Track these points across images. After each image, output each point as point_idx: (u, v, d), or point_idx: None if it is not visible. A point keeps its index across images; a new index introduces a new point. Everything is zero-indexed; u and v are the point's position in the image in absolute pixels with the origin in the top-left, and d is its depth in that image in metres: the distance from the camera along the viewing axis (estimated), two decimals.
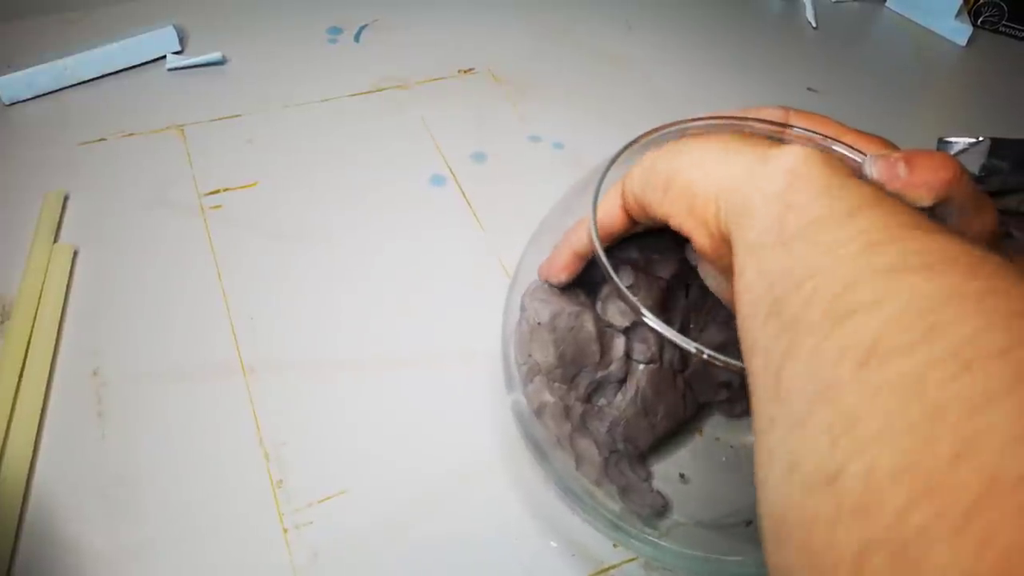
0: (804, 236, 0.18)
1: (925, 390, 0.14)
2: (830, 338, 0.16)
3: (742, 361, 0.23)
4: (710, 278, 0.28)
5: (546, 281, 0.31)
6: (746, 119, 0.30)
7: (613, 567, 0.33)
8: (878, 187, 0.19)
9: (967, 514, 0.12)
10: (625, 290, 0.25)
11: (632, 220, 0.26)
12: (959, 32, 0.67)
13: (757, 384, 0.18)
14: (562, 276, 0.30)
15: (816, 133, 0.29)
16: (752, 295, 0.19)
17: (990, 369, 0.13)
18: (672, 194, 0.23)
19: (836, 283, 0.16)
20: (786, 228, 0.19)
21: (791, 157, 0.20)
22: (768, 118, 0.30)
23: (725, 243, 0.22)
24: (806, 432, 0.15)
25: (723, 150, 0.22)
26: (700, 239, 0.22)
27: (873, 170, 0.24)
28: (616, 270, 0.32)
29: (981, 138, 0.48)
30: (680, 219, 0.23)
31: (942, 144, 0.49)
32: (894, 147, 0.28)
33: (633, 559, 0.33)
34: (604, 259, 0.26)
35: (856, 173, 0.26)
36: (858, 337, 0.15)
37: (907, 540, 0.13)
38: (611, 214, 0.27)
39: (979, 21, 0.69)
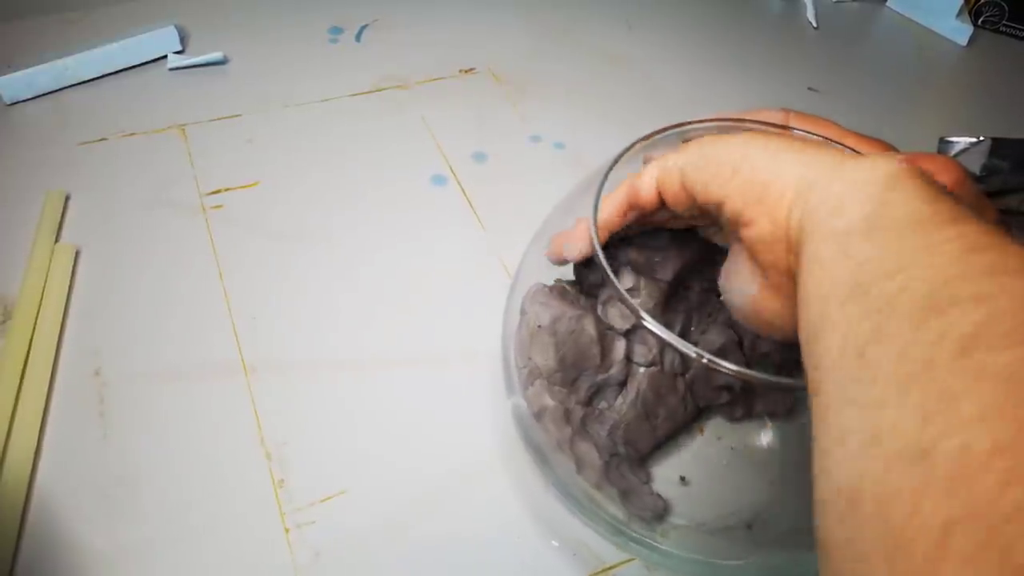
0: (899, 232, 0.18)
1: None
2: (926, 325, 0.16)
3: (741, 366, 0.23)
4: (732, 292, 0.28)
5: (556, 260, 0.31)
6: (746, 120, 0.30)
7: (615, 567, 0.33)
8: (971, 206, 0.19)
9: None
10: (625, 294, 0.25)
11: (660, 203, 0.26)
12: (960, 32, 0.67)
13: (829, 361, 0.18)
14: (574, 252, 0.29)
15: (817, 135, 0.29)
16: (828, 276, 0.19)
17: None
18: (739, 179, 0.23)
19: (933, 277, 0.16)
20: (879, 222, 0.18)
21: (891, 162, 0.20)
22: (768, 120, 0.30)
23: (785, 236, 0.22)
24: (895, 410, 0.15)
25: (800, 150, 0.22)
26: (762, 226, 0.22)
27: None
28: (617, 272, 0.32)
29: (982, 138, 0.48)
30: (740, 204, 0.23)
31: (943, 144, 0.50)
32: (894, 150, 0.28)
33: (634, 559, 0.33)
34: (604, 262, 0.26)
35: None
36: (958, 327, 0.15)
37: (1002, 517, 0.12)
38: (647, 190, 0.26)
39: (980, 21, 0.69)
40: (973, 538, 0.12)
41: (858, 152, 0.24)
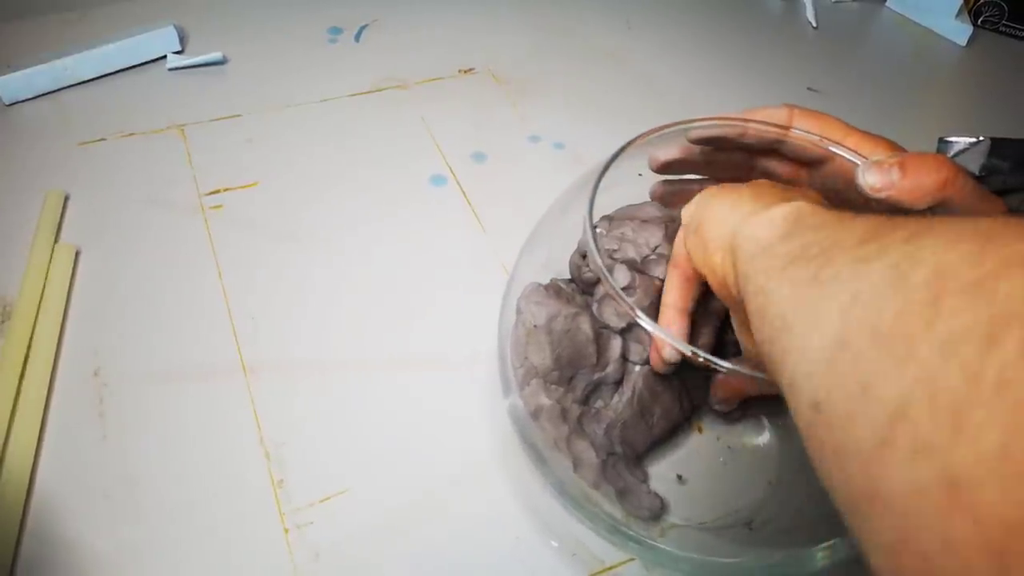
0: (816, 229, 0.20)
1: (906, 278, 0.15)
2: (866, 246, 0.17)
3: (736, 364, 0.23)
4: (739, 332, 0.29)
5: (653, 165, 0.32)
6: (747, 120, 0.30)
7: (614, 567, 0.33)
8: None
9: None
10: (619, 291, 0.26)
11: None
12: (959, 32, 0.67)
13: (783, 306, 0.19)
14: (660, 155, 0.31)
15: (816, 136, 0.29)
16: (761, 273, 0.20)
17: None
18: (695, 237, 0.25)
19: (861, 230, 0.18)
20: (796, 230, 0.20)
21: (797, 201, 0.22)
22: (772, 118, 0.30)
23: (727, 284, 0.23)
24: (859, 304, 0.16)
25: (734, 204, 0.24)
26: (709, 278, 0.25)
27: (867, 177, 0.25)
28: (612, 270, 0.32)
29: (981, 138, 0.49)
30: (697, 260, 0.25)
31: (942, 144, 0.50)
32: (900, 148, 0.28)
33: (634, 559, 0.33)
34: (599, 259, 0.26)
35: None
36: (894, 246, 0.16)
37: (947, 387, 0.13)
38: (683, 258, 0.28)
39: (979, 21, 0.69)
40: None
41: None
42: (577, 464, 0.30)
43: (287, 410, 0.36)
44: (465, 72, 0.57)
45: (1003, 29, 0.69)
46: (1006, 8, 0.68)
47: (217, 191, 0.46)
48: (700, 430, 0.35)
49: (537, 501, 0.34)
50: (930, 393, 0.13)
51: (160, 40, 0.53)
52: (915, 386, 0.14)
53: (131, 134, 0.49)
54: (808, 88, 0.60)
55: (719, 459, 0.34)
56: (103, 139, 0.48)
